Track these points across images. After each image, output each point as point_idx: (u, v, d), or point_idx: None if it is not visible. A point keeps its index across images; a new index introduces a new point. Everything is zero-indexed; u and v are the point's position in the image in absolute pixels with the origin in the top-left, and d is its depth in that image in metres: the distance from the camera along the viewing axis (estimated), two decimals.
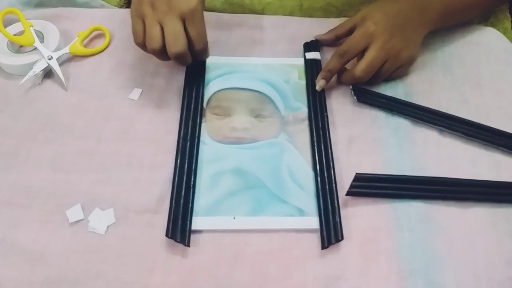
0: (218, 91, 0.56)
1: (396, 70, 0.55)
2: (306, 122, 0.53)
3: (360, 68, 0.53)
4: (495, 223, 0.46)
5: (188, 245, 0.43)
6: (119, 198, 0.47)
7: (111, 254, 0.43)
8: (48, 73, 0.57)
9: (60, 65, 0.56)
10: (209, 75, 0.57)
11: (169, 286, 0.42)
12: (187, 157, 0.49)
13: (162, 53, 0.50)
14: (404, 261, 0.43)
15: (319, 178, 0.48)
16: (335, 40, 0.59)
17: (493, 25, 0.64)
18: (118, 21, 0.62)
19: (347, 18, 0.59)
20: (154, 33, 0.49)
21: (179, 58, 0.51)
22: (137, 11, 0.50)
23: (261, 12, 0.65)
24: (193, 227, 0.44)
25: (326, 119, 0.53)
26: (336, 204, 0.46)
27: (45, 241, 0.44)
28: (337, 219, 0.45)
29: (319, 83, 0.55)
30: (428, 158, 0.50)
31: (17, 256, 0.43)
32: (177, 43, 0.49)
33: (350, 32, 0.55)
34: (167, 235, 0.43)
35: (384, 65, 0.54)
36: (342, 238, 0.44)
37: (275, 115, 0.54)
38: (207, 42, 0.52)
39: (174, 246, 0.44)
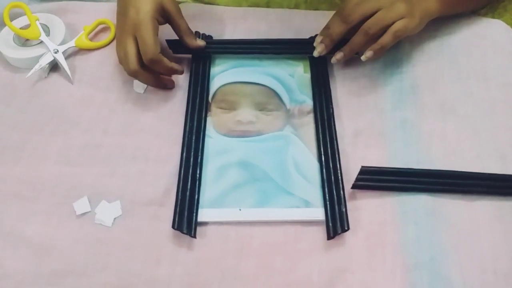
0: (224, 85, 0.56)
1: (389, 29, 0.50)
2: (312, 115, 0.53)
3: (354, 1, 0.50)
4: (501, 216, 0.46)
5: (195, 237, 0.44)
6: (126, 191, 0.47)
7: (117, 246, 0.44)
8: (54, 67, 0.57)
9: (66, 58, 0.56)
10: (214, 69, 0.57)
11: (175, 278, 0.42)
12: (192, 150, 0.49)
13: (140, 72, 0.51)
14: (410, 254, 0.43)
15: (324, 169, 0.48)
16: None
17: (500, 16, 0.63)
18: None
19: None
20: (120, 56, 0.51)
21: (137, 76, 0.51)
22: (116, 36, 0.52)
23: (266, 5, 0.65)
24: (199, 219, 0.45)
25: (331, 112, 0.52)
26: (341, 195, 0.46)
27: (52, 233, 0.44)
28: (343, 209, 0.45)
29: (318, 49, 0.54)
30: (434, 151, 0.50)
31: (25, 248, 0.43)
32: (127, 62, 0.50)
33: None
34: (173, 226, 0.44)
35: (377, 14, 0.49)
36: (348, 229, 0.44)
37: (280, 108, 0.54)
38: (157, 54, 0.49)
39: (180, 238, 0.44)
